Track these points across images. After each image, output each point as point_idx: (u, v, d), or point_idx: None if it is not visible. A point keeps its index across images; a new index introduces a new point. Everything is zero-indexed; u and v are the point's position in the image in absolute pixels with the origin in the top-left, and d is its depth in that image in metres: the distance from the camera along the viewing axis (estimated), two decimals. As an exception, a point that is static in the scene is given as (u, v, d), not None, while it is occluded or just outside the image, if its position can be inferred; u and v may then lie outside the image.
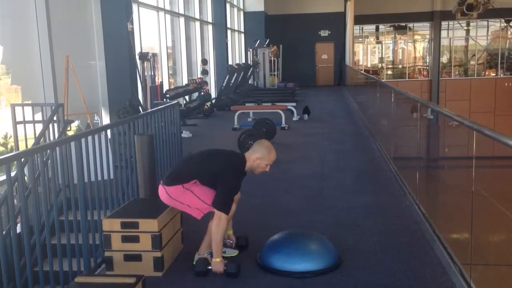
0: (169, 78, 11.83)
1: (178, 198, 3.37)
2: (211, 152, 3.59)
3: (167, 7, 11.65)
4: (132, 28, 8.28)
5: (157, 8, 10.86)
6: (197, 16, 14.33)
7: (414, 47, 26.13)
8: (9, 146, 6.34)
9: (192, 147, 7.48)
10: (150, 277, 3.12)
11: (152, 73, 9.26)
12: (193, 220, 3.56)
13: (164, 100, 9.54)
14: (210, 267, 3.30)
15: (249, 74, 17.28)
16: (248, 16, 20.69)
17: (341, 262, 3.40)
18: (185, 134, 8.75)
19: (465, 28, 24.97)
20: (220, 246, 3.28)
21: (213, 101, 13.35)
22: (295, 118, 11.03)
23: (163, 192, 3.40)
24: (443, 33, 24.61)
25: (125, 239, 3.32)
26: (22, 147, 5.35)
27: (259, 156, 3.37)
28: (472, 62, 25.10)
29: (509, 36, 24.71)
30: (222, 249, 3.32)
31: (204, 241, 3.49)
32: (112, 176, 3.90)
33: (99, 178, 3.65)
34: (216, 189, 3.32)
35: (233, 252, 3.64)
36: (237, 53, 19.80)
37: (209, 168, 3.39)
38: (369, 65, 26.47)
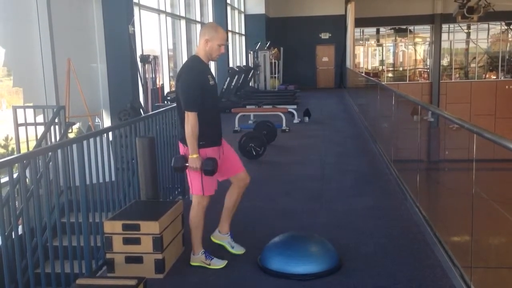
0: (170, 80, 11.85)
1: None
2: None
3: (168, 10, 11.67)
4: (134, 31, 8.31)
5: (158, 11, 10.89)
6: (198, 19, 14.36)
7: (415, 49, 26.16)
8: (10, 148, 6.35)
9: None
10: (151, 279, 3.13)
11: (153, 76, 9.28)
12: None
13: (165, 102, 9.56)
14: (187, 164, 3.28)
15: (249, 76, 17.30)
16: (249, 19, 20.71)
17: (341, 264, 3.41)
18: (186, 136, 8.76)
19: (466, 31, 25.00)
20: (193, 141, 3.22)
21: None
22: (296, 120, 11.04)
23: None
24: (444, 36, 24.64)
25: (127, 241, 3.33)
26: (23, 149, 5.36)
27: (207, 38, 3.27)
28: (472, 65, 25.12)
29: (510, 39, 24.74)
30: (196, 144, 3.24)
31: (192, 239, 3.50)
32: (113, 178, 3.91)
33: (101, 180, 3.66)
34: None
35: (240, 250, 3.66)
36: (238, 55, 19.82)
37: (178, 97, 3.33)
38: (369, 67, 26.49)
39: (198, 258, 3.48)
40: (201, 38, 3.31)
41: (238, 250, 3.67)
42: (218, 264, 3.46)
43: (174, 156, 3.41)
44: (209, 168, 3.27)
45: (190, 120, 3.21)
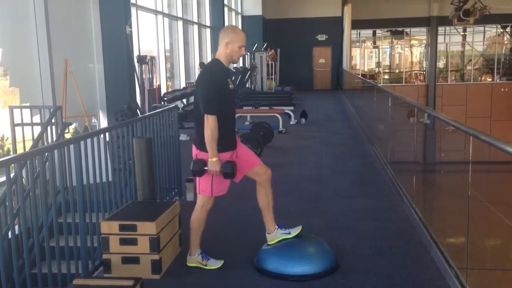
0: (167, 81, 11.85)
1: None
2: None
3: (166, 11, 11.67)
4: (131, 31, 8.31)
5: (156, 12, 10.89)
6: (195, 20, 14.36)
7: (411, 52, 26.25)
8: (5, 148, 6.33)
9: (190, 150, 7.51)
10: (148, 280, 3.12)
11: (150, 76, 9.28)
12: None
13: (162, 103, 9.56)
14: (206, 168, 3.26)
15: (246, 77, 17.30)
16: (246, 20, 20.73)
17: (338, 265, 3.42)
18: (183, 137, 8.75)
19: (462, 33, 25.12)
20: (213, 145, 3.21)
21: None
22: (293, 122, 11.06)
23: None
24: (440, 39, 24.74)
25: (123, 241, 3.33)
26: (20, 150, 5.35)
27: (228, 41, 3.29)
28: (468, 68, 25.23)
29: (505, 42, 24.86)
30: (216, 148, 3.22)
31: (190, 240, 3.49)
32: (110, 179, 3.91)
33: (98, 180, 3.66)
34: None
35: (298, 228, 3.56)
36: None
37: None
38: (366, 69, 26.56)
39: (194, 259, 3.48)
40: (221, 41, 3.32)
41: (296, 230, 3.55)
42: (214, 264, 3.47)
43: (192, 160, 3.36)
44: (228, 171, 3.25)
45: (210, 123, 3.19)
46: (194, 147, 3.42)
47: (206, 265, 3.45)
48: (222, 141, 3.27)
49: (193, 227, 3.46)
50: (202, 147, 3.31)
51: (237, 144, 3.48)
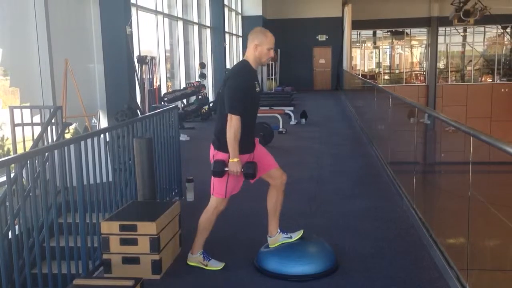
0: (167, 81, 11.86)
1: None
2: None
3: (166, 11, 11.68)
4: (131, 32, 8.30)
5: (156, 12, 10.89)
6: (196, 20, 14.36)
7: (411, 52, 26.26)
8: (5, 148, 6.33)
9: (190, 150, 7.51)
10: (148, 280, 3.13)
11: (151, 77, 9.29)
12: (191, 224, 3.58)
13: (162, 103, 9.56)
14: (227, 169, 3.24)
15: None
16: (246, 20, 20.73)
17: (338, 265, 3.42)
18: (183, 137, 8.76)
19: (462, 34, 25.12)
20: (235, 146, 3.19)
21: (211, 104, 13.37)
22: (293, 122, 11.06)
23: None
24: (440, 39, 24.75)
25: (124, 241, 3.33)
26: (20, 150, 5.35)
27: (257, 43, 3.29)
28: (468, 68, 25.24)
29: (506, 43, 24.87)
30: (237, 148, 3.20)
31: (196, 239, 3.49)
32: (110, 179, 3.91)
33: (98, 180, 3.66)
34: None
35: (299, 232, 3.56)
36: (235, 57, 19.83)
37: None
38: (366, 70, 26.56)
39: (195, 258, 3.48)
40: (251, 43, 3.32)
41: (297, 234, 3.55)
42: (215, 265, 3.46)
43: (213, 161, 3.33)
44: (250, 171, 3.24)
45: (234, 123, 3.18)
46: (212, 147, 3.38)
47: (206, 266, 3.45)
48: (241, 142, 3.24)
49: (201, 227, 3.44)
50: (220, 147, 3.28)
51: (256, 145, 3.46)
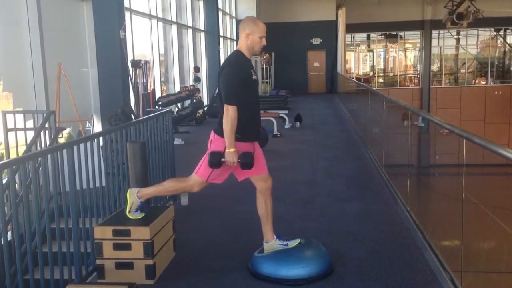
0: (161, 85, 11.84)
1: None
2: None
3: (160, 15, 11.67)
4: (125, 36, 8.29)
5: (150, 16, 10.88)
6: (190, 24, 14.37)
7: (405, 55, 26.37)
8: (-1, 153, 6.30)
9: (185, 154, 7.49)
10: (141, 285, 3.11)
11: (145, 81, 9.27)
12: (185, 228, 3.56)
13: (156, 107, 9.54)
14: (223, 159, 3.24)
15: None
16: (241, 24, 20.74)
17: (333, 268, 3.41)
18: (177, 141, 8.75)
19: (455, 37, 25.26)
20: (231, 136, 3.19)
21: (206, 108, 13.37)
22: (287, 125, 11.07)
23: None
24: (434, 42, 24.88)
25: (117, 246, 3.31)
26: (13, 155, 5.32)
27: (248, 32, 3.28)
28: (462, 71, 25.37)
29: (499, 45, 25.02)
30: (233, 138, 3.20)
31: (149, 188, 3.58)
32: (104, 184, 3.89)
33: (91, 185, 3.64)
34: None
35: (295, 240, 3.55)
36: (229, 60, 19.81)
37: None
38: (360, 73, 26.64)
39: (135, 201, 3.51)
40: (242, 32, 3.31)
41: (294, 243, 3.55)
42: (137, 215, 3.51)
43: (210, 151, 3.32)
44: (247, 160, 3.23)
45: (230, 113, 3.17)
46: (211, 133, 3.37)
47: (129, 212, 3.49)
48: (243, 131, 3.25)
49: (163, 188, 3.55)
50: (222, 133, 3.26)
51: (255, 144, 3.46)
